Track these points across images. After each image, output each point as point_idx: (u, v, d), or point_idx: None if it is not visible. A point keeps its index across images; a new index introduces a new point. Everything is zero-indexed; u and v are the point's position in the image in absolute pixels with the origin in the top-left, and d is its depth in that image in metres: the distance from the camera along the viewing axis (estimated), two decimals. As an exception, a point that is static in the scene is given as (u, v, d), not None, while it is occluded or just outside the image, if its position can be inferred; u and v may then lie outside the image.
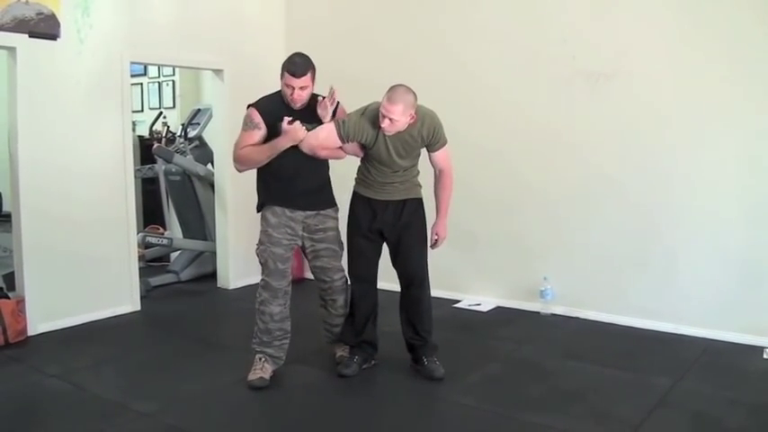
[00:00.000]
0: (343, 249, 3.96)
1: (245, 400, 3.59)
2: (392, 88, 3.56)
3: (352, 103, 4.94)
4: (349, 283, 3.96)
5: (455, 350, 4.17)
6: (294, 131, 3.56)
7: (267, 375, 3.75)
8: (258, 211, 3.87)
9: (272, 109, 3.69)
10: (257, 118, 3.67)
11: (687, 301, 4.55)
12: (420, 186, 3.90)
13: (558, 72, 4.93)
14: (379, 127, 3.60)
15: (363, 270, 3.91)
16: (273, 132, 3.65)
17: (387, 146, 3.68)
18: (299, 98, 3.64)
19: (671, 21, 4.49)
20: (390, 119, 3.55)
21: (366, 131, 3.67)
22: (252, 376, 3.74)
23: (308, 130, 3.65)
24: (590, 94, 4.82)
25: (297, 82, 3.59)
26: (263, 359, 3.80)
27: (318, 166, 3.84)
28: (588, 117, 4.86)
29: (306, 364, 4.09)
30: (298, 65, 3.60)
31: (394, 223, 3.81)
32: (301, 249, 3.90)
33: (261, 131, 3.67)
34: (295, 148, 3.63)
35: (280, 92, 3.73)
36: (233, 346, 4.50)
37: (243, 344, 4.53)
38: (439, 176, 3.84)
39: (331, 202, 3.91)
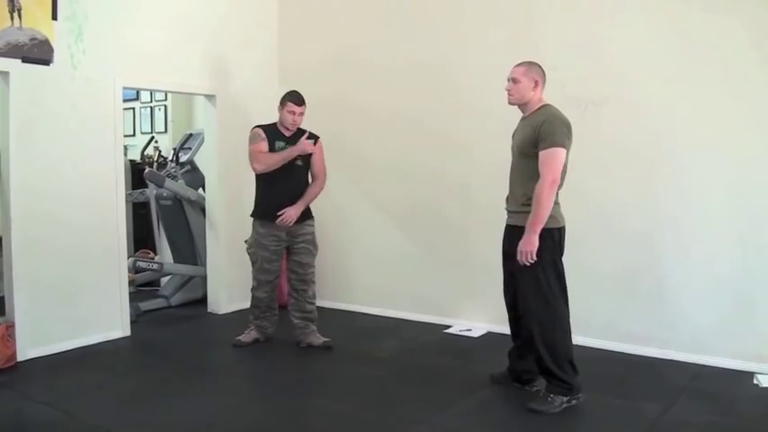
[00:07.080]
0: (317, 250, 4.87)
1: (236, 427, 3.56)
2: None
3: (346, 130, 5.00)
4: None
5: (446, 376, 4.16)
6: (305, 145, 4.60)
7: (250, 339, 4.96)
8: (252, 216, 4.86)
9: (270, 130, 4.76)
10: (263, 134, 4.72)
11: (677, 326, 4.57)
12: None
13: (548, 98, 4.96)
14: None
15: (504, 291, 3.93)
16: (271, 149, 4.69)
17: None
18: (298, 123, 4.76)
19: (661, 48, 4.55)
20: (512, 78, 3.65)
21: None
22: (242, 338, 4.97)
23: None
24: (580, 121, 4.84)
25: (298, 109, 4.72)
26: (252, 328, 5.00)
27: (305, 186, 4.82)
28: (578, 143, 4.87)
29: (300, 392, 4.08)
30: (299, 96, 4.75)
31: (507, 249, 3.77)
32: (286, 249, 4.84)
33: (265, 143, 4.69)
34: (292, 172, 4.65)
35: (273, 123, 4.81)
36: (223, 372, 4.48)
37: (233, 370, 4.53)
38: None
39: (308, 215, 4.82)
